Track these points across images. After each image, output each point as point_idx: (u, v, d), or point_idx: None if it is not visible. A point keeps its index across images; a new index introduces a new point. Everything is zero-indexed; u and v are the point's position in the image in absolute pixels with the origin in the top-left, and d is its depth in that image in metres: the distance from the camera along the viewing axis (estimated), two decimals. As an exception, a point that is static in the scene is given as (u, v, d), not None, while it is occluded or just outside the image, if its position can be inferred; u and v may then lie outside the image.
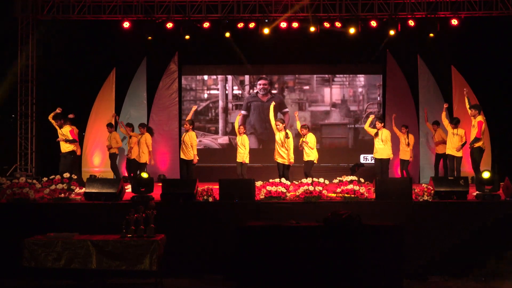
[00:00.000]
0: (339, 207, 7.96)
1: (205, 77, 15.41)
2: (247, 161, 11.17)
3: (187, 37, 13.26)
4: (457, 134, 10.79)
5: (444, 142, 12.07)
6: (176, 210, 8.27)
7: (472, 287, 7.74)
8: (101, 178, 11.56)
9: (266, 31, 13.05)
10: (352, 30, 13.02)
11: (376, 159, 11.34)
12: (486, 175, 8.52)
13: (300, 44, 13.86)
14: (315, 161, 11.09)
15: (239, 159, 11.22)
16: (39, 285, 7.47)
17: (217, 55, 14.54)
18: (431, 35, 12.92)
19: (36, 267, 7.13)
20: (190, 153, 10.87)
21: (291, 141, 10.72)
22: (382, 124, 11.31)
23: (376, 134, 11.23)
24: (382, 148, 11.18)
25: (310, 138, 11.02)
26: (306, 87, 15.29)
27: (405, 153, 12.53)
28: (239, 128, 11.31)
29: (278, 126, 10.80)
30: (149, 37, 13.27)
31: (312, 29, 13.02)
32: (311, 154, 10.98)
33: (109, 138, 12.73)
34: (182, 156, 11.03)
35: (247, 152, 11.17)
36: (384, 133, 11.23)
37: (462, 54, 13.57)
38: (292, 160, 10.70)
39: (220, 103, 15.31)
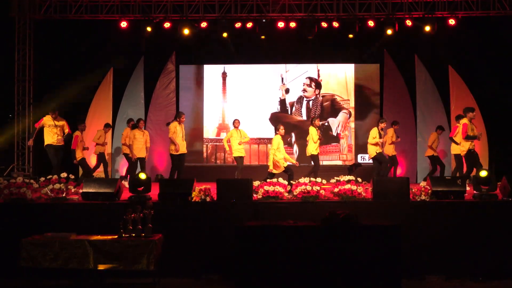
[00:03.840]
0: (337, 207, 7.96)
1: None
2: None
3: (186, 32, 13.03)
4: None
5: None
6: (173, 210, 8.26)
7: (469, 286, 7.76)
8: (98, 178, 11.61)
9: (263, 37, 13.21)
10: (349, 30, 13.07)
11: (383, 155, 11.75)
12: (483, 173, 8.52)
13: (298, 44, 13.87)
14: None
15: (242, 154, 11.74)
16: (36, 285, 7.47)
17: (215, 55, 14.54)
18: (428, 29, 12.87)
19: (34, 267, 7.13)
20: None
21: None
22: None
23: (381, 136, 11.46)
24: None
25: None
26: (304, 87, 15.30)
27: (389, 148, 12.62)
28: (234, 123, 11.97)
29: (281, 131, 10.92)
30: (148, 28, 13.03)
31: (309, 34, 13.08)
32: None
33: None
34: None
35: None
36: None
37: (459, 54, 13.59)
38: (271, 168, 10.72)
39: (218, 103, 15.32)
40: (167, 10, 13.32)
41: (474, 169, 10.06)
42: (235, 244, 7.29)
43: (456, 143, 11.22)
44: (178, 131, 11.15)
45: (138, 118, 12.82)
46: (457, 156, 11.60)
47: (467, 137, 10.15)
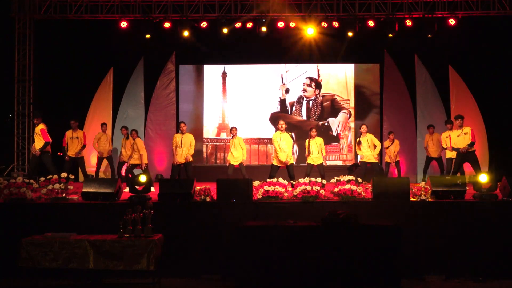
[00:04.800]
0: (337, 207, 7.97)
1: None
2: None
3: (186, 34, 13.19)
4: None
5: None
6: (173, 210, 8.26)
7: (469, 286, 7.76)
8: (98, 178, 11.61)
9: (264, 29, 13.17)
10: (349, 30, 13.08)
11: (364, 163, 11.47)
12: (483, 178, 8.51)
13: (297, 44, 13.88)
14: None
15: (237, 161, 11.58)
16: (36, 285, 7.46)
17: (215, 55, 14.55)
18: (428, 29, 12.94)
19: (34, 267, 7.13)
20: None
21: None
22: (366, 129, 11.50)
23: (359, 142, 11.36)
24: (370, 153, 11.35)
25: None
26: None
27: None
28: (231, 130, 11.78)
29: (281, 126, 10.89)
30: (147, 35, 13.26)
31: (310, 30, 13.08)
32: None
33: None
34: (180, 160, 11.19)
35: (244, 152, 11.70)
36: (369, 138, 11.38)
37: (459, 54, 13.60)
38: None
39: (218, 103, 15.32)
40: (167, 10, 13.35)
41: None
42: (235, 244, 7.30)
43: (449, 150, 11.29)
44: (178, 142, 11.16)
45: (132, 129, 12.39)
46: (450, 160, 11.66)
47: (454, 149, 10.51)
